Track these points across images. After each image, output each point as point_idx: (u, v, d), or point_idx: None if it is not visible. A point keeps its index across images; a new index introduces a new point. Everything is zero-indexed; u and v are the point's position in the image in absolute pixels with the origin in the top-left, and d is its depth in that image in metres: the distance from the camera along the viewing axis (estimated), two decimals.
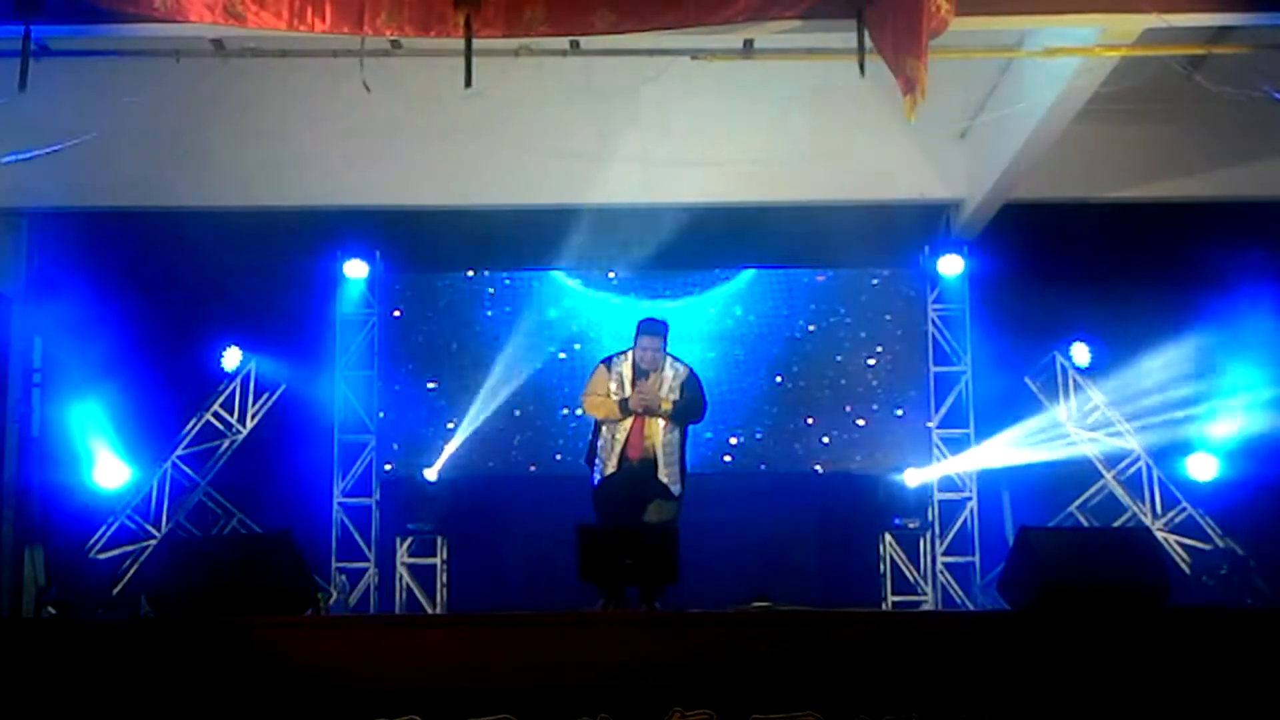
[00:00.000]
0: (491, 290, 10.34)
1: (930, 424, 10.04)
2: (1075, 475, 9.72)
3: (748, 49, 8.09)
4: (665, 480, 7.43)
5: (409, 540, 9.99)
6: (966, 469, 9.92)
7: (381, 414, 10.18)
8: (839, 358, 10.19)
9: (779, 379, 10.19)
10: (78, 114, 8.80)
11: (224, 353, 10.09)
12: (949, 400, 10.09)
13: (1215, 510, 9.45)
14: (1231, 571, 8.86)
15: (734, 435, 10.12)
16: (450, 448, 10.07)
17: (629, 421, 7.51)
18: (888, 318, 10.26)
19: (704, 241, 10.06)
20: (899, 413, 10.11)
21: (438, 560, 9.95)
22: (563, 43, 7.77)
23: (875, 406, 10.15)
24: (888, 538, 9.93)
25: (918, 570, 9.93)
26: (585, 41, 7.68)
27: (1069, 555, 5.93)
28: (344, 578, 9.81)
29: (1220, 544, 9.26)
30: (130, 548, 9.73)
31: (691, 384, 7.62)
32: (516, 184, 9.61)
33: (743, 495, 9.86)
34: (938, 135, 9.40)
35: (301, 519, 9.26)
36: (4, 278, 10.02)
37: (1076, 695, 5.06)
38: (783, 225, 9.97)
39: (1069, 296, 9.61)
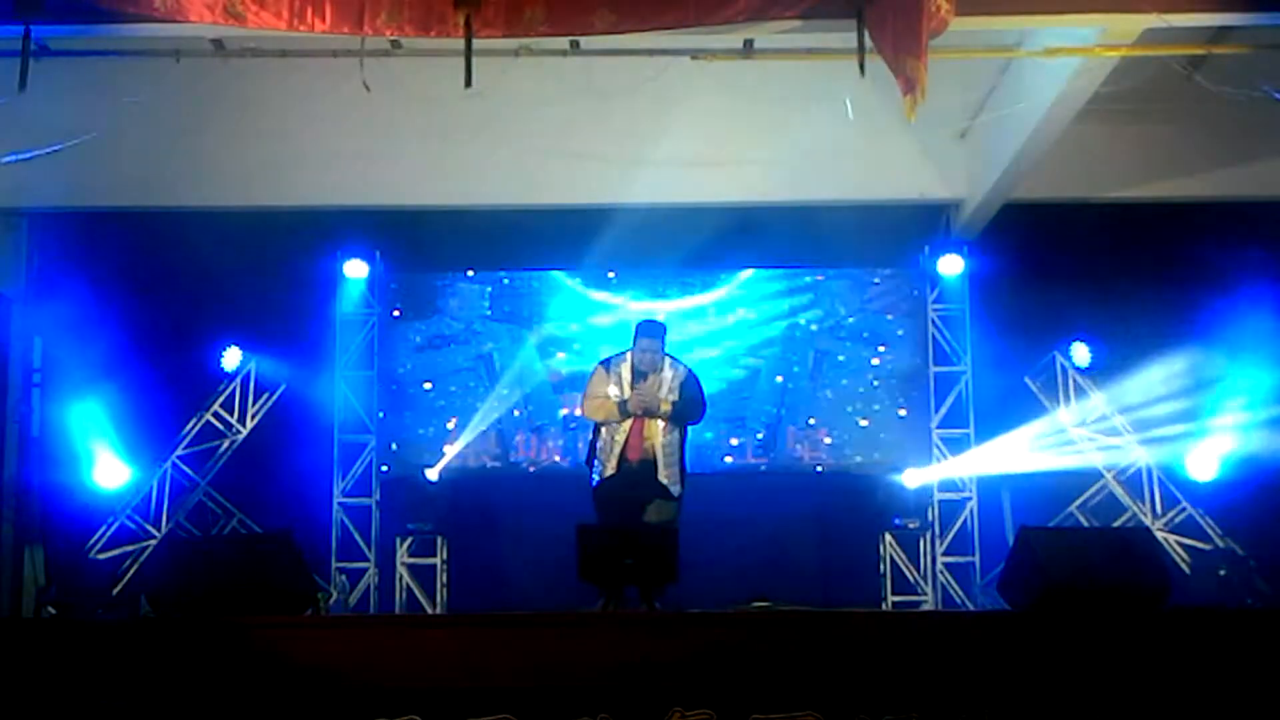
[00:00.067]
0: (491, 290, 10.34)
1: (932, 425, 10.05)
2: (1075, 475, 9.71)
3: (748, 49, 8.09)
4: (665, 481, 7.43)
5: (409, 540, 9.99)
6: (968, 473, 9.92)
7: (381, 414, 10.18)
8: (840, 358, 10.20)
9: (779, 379, 10.19)
10: (78, 114, 8.79)
11: (224, 353, 10.09)
12: (949, 400, 10.09)
13: (1215, 510, 9.45)
14: (1231, 571, 8.85)
15: (734, 435, 10.12)
16: (450, 448, 10.07)
17: (628, 423, 7.51)
18: (889, 318, 10.26)
19: (704, 241, 10.06)
20: (901, 413, 10.11)
21: (438, 560, 9.95)
22: (563, 43, 7.78)
23: (876, 406, 10.15)
24: (888, 538, 9.93)
25: (918, 570, 9.93)
26: (585, 41, 7.69)
27: (1069, 555, 5.92)
28: (344, 578, 9.81)
29: (1220, 544, 9.25)
30: (130, 548, 9.73)
31: (690, 385, 7.62)
32: (516, 184, 9.61)
33: (743, 495, 9.86)
34: (938, 135, 9.40)
35: (301, 519, 9.27)
36: (4, 278, 10.02)
37: (1076, 695, 5.06)
38: (783, 225, 9.97)
39: (1069, 296, 9.61)
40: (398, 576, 9.96)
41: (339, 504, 10.06)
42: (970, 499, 9.96)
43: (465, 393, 10.18)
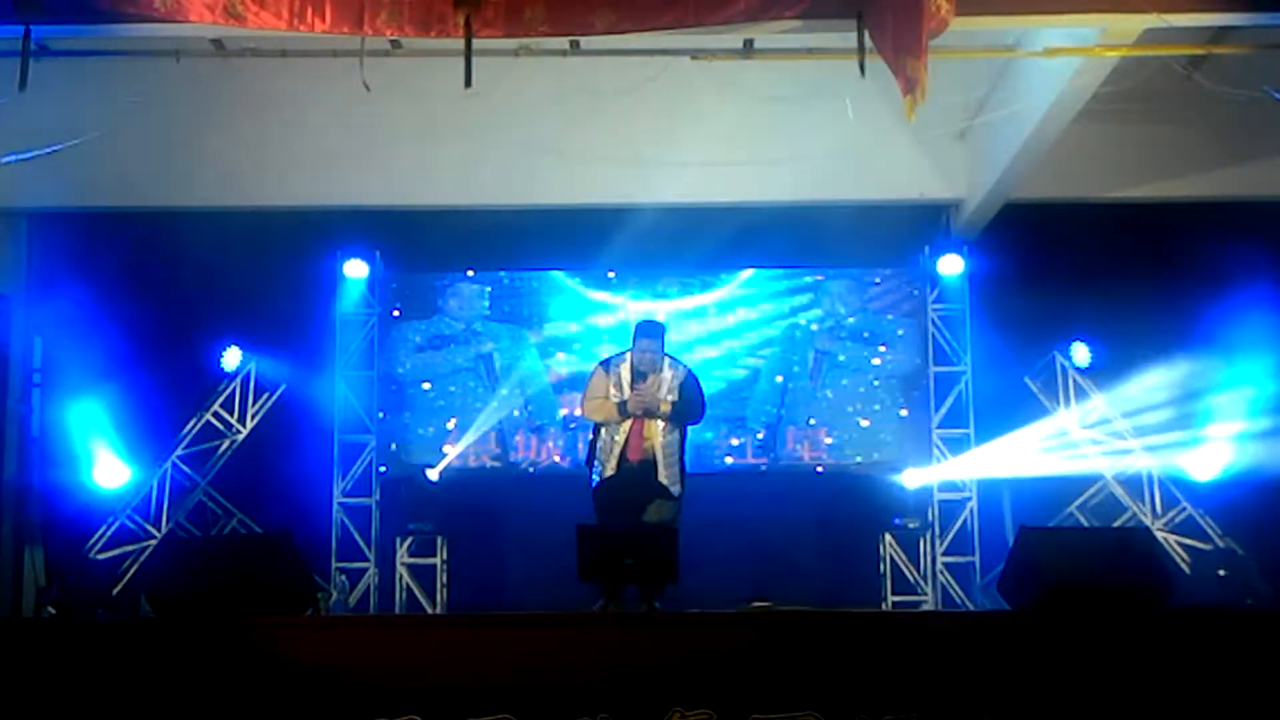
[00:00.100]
0: (491, 290, 10.34)
1: (932, 425, 10.05)
2: (1075, 475, 9.71)
3: (748, 49, 8.10)
4: (665, 481, 7.43)
5: (409, 540, 9.99)
6: (968, 476, 9.91)
7: (381, 414, 10.18)
8: (840, 358, 10.20)
9: (779, 379, 10.19)
10: (78, 114, 8.80)
11: (224, 353, 10.10)
12: (949, 400, 10.09)
13: (1215, 510, 9.45)
14: (1231, 571, 8.85)
15: (734, 435, 10.13)
16: (450, 448, 10.08)
17: (628, 423, 7.50)
18: (889, 318, 10.26)
19: (704, 241, 10.06)
20: (903, 413, 10.10)
21: (438, 560, 9.95)
22: (563, 43, 7.78)
23: (876, 407, 10.15)
24: (888, 538, 9.93)
25: (918, 570, 9.93)
26: (585, 41, 7.69)
27: (1069, 555, 5.92)
28: (344, 578, 9.81)
29: (1220, 544, 9.25)
30: (130, 548, 9.73)
31: (690, 385, 7.62)
32: (517, 184, 9.61)
33: (743, 495, 9.86)
34: (938, 135, 9.39)
35: (301, 519, 9.28)
36: (4, 278, 10.02)
37: (1076, 695, 5.05)
38: (783, 225, 9.96)
39: (1069, 296, 9.61)
40: (398, 576, 9.96)
41: (339, 504, 10.06)
42: (970, 499, 9.96)
43: (465, 393, 10.18)
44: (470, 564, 9.96)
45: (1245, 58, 7.95)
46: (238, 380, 10.13)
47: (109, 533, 9.75)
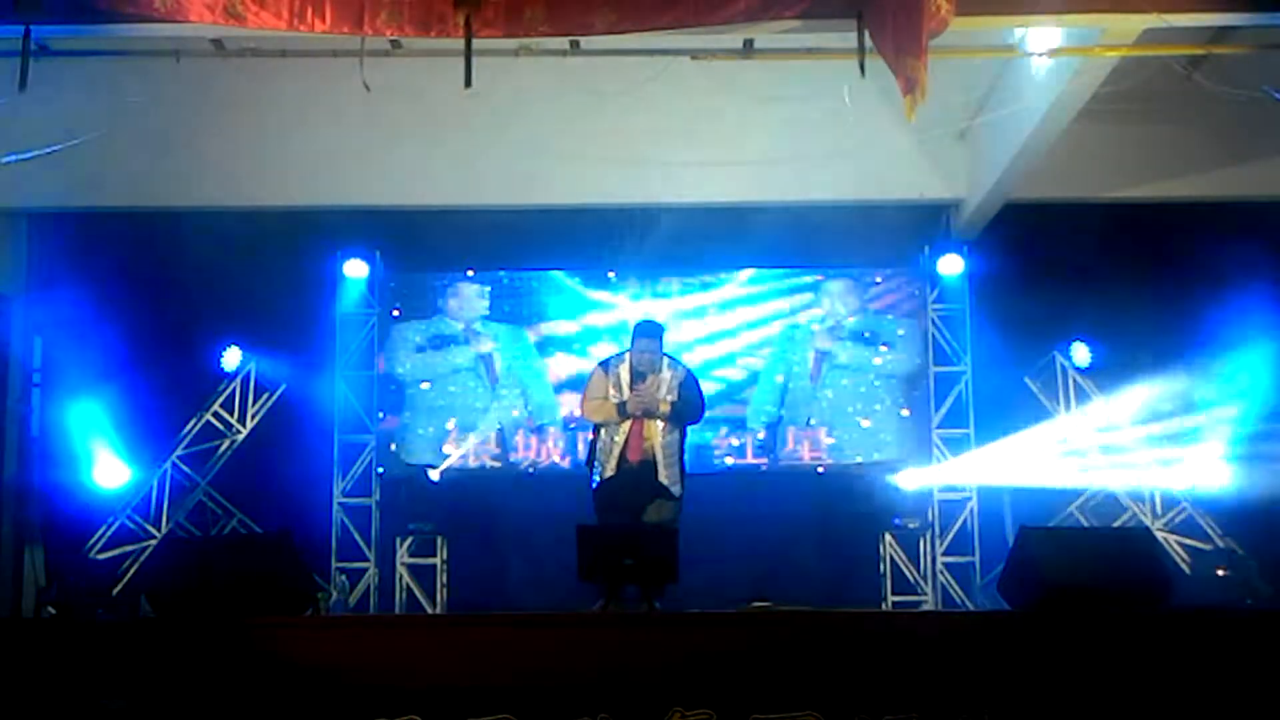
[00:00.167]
0: (491, 290, 10.34)
1: (932, 425, 10.05)
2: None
3: (748, 49, 8.10)
4: (665, 482, 7.43)
5: (409, 540, 10.00)
6: (969, 482, 9.90)
7: (381, 414, 10.18)
8: (840, 358, 10.19)
9: (779, 379, 10.19)
10: (78, 114, 8.80)
11: (224, 353, 10.10)
12: (949, 400, 10.09)
13: (1215, 510, 9.44)
14: (1231, 571, 8.85)
15: (734, 435, 10.12)
16: (450, 448, 10.08)
17: (628, 424, 7.50)
18: (889, 318, 10.26)
19: (704, 241, 10.08)
20: (905, 413, 10.10)
21: (438, 560, 9.96)
22: (563, 43, 7.79)
23: (877, 406, 10.14)
24: (888, 538, 9.94)
25: (918, 570, 9.94)
26: (585, 41, 7.69)
27: (1069, 555, 5.92)
28: (344, 578, 9.82)
29: (1220, 544, 9.25)
30: (130, 548, 9.73)
31: (689, 385, 7.62)
32: (516, 184, 9.61)
33: (743, 495, 9.86)
34: (938, 135, 9.39)
35: (301, 519, 9.29)
36: (4, 278, 10.03)
37: (1076, 695, 5.05)
38: (783, 225, 9.95)
39: (1069, 296, 9.60)
40: (398, 576, 9.96)
41: (339, 504, 10.06)
42: (970, 499, 9.96)
43: (465, 393, 10.18)
44: (470, 564, 9.96)
45: (1245, 58, 7.96)
46: (238, 380, 10.13)
47: (109, 533, 9.75)
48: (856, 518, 9.90)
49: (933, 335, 10.17)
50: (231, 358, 10.11)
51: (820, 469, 10.09)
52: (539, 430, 10.15)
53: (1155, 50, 7.54)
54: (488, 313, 10.31)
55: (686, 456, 7.68)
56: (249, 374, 10.15)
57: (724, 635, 5.30)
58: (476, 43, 6.29)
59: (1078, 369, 9.92)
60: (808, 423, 10.14)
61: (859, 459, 10.07)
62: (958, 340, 10.14)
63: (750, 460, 10.13)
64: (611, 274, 10.32)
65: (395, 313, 10.31)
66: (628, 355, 7.66)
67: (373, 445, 10.14)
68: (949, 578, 9.83)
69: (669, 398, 7.51)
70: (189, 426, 10.02)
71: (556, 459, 10.06)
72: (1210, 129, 9.37)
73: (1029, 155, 8.57)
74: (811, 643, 5.23)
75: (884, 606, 9.66)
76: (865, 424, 10.12)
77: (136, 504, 9.88)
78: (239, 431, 10.12)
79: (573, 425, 9.89)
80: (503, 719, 5.01)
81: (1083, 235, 9.70)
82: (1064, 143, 8.49)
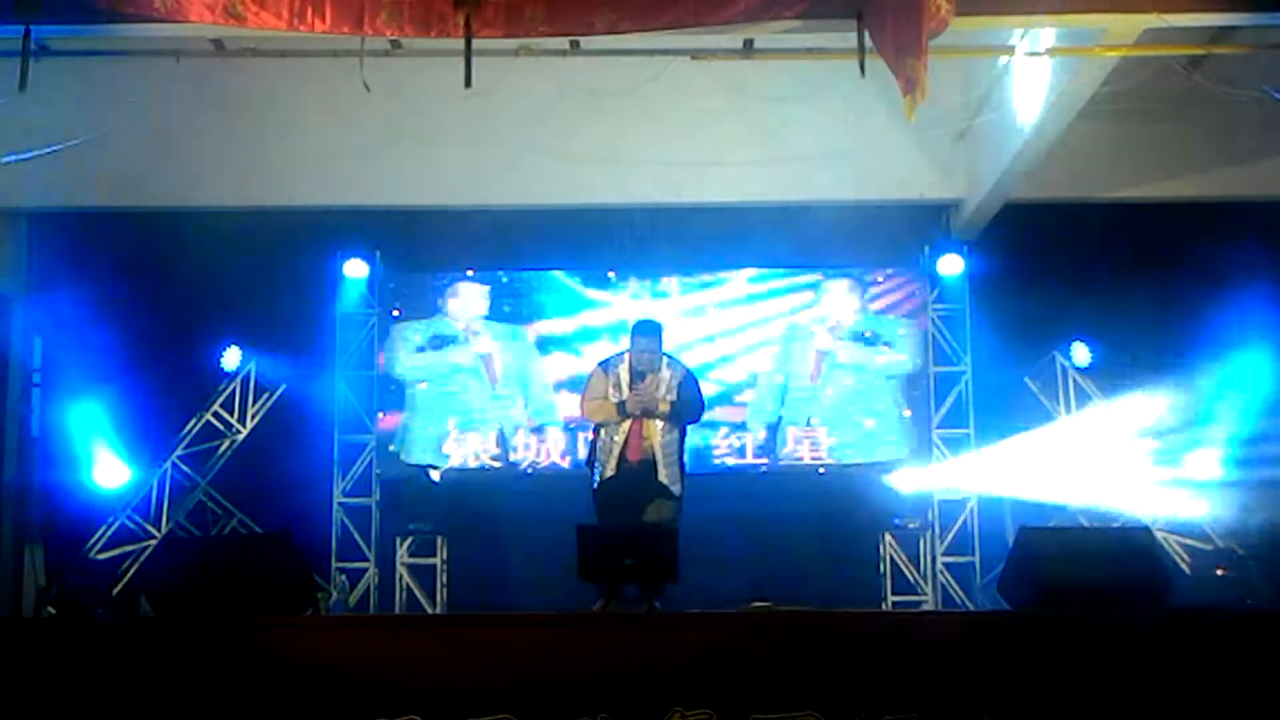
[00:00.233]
0: (490, 290, 10.34)
1: (932, 425, 10.06)
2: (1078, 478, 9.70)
3: (748, 49, 8.11)
4: (665, 481, 7.43)
5: (409, 540, 10.00)
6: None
7: (381, 414, 10.18)
8: (841, 358, 10.19)
9: (779, 379, 10.19)
10: (78, 114, 8.81)
11: (224, 353, 10.10)
12: (949, 400, 10.09)
13: (1215, 509, 9.43)
14: (1231, 571, 8.85)
15: (734, 435, 10.12)
16: (450, 448, 10.08)
17: (627, 424, 7.50)
18: (889, 318, 10.26)
19: (704, 241, 10.09)
20: (907, 414, 10.09)
21: (438, 560, 9.96)
22: (563, 43, 7.79)
23: (877, 407, 10.14)
24: (888, 538, 9.94)
25: (918, 570, 9.94)
26: (585, 41, 7.70)
27: (1069, 555, 5.92)
28: (344, 578, 9.81)
29: (1220, 544, 9.25)
30: (130, 548, 9.73)
31: (688, 384, 7.62)
32: (516, 184, 9.61)
33: (743, 495, 9.86)
34: (938, 135, 9.39)
35: (301, 519, 9.27)
36: (4, 278, 10.03)
37: (1076, 695, 5.05)
38: (783, 225, 9.96)
39: (1069, 296, 9.61)
40: (398, 576, 9.96)
41: (339, 504, 10.06)
42: (970, 499, 9.95)
43: (465, 393, 10.18)
44: (470, 564, 9.96)
45: (1245, 58, 7.96)
46: (238, 380, 10.13)
47: (109, 533, 9.75)
48: (856, 518, 9.90)
49: (933, 335, 10.17)
50: (231, 358, 10.11)
51: (820, 469, 10.08)
52: (539, 430, 10.14)
53: (1155, 50, 7.54)
54: (487, 313, 10.31)
55: (687, 457, 7.68)
56: (249, 374, 10.15)
57: (724, 635, 5.30)
58: (476, 43, 6.29)
59: (1078, 369, 9.92)
60: (808, 423, 10.14)
61: (859, 459, 10.07)
62: (958, 340, 10.14)
63: (750, 460, 10.13)
64: (611, 274, 10.32)
65: (395, 313, 10.31)
66: (627, 355, 7.66)
67: (373, 445, 10.14)
68: (949, 578, 9.83)
69: (668, 397, 7.51)
70: (189, 426, 10.02)
71: (556, 459, 10.06)
72: (1210, 129, 9.37)
73: (1029, 155, 8.57)
74: (811, 643, 5.22)
75: (884, 606, 9.66)
76: (865, 424, 10.12)
77: (136, 504, 9.88)
78: (239, 431, 10.12)
79: (572, 425, 9.89)
80: (503, 719, 5.00)
81: (1083, 235, 9.71)
82: (1064, 143, 8.49)
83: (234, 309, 9.89)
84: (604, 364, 7.77)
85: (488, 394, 10.17)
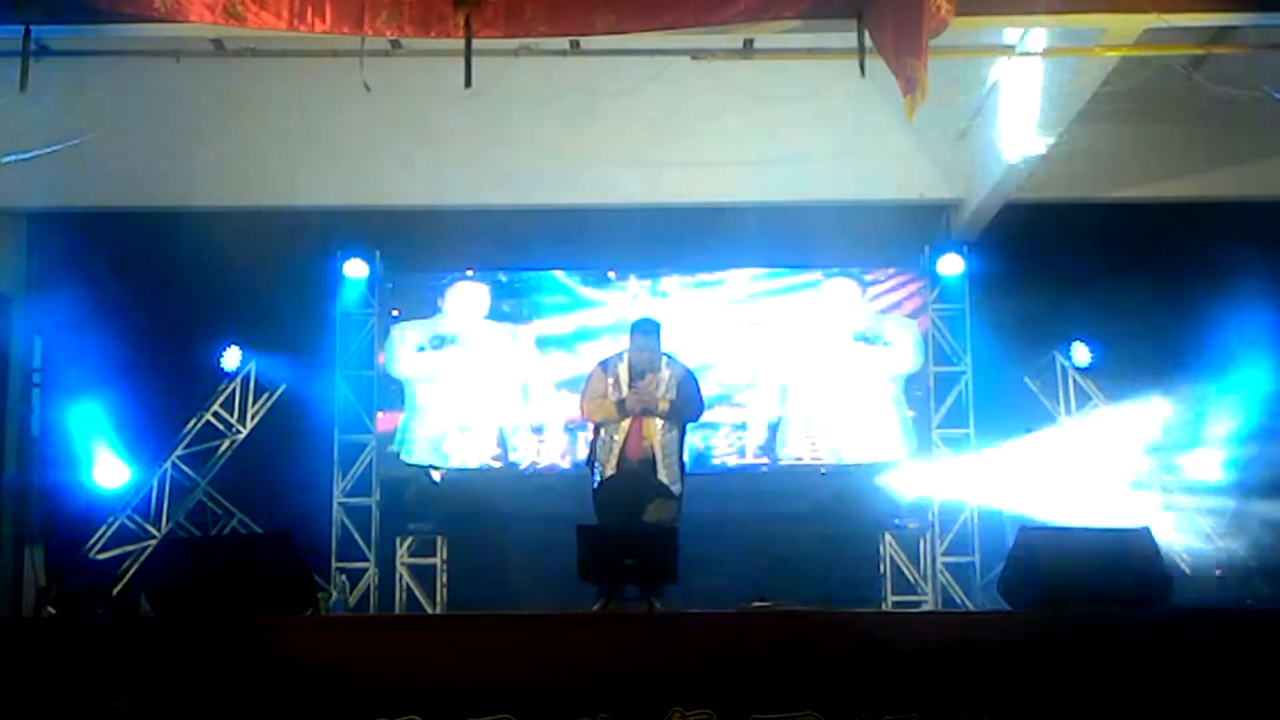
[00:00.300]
0: (490, 289, 10.34)
1: (932, 425, 10.06)
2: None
3: (748, 49, 8.11)
4: (665, 480, 7.42)
5: (409, 540, 10.00)
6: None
7: (381, 414, 10.18)
8: (841, 357, 10.19)
9: (780, 379, 10.18)
10: (78, 114, 8.81)
11: (224, 353, 10.09)
12: (949, 400, 10.09)
13: (1215, 509, 9.43)
14: (1231, 571, 8.85)
15: (734, 435, 10.12)
16: (450, 448, 10.08)
17: (627, 423, 7.49)
18: (889, 318, 10.26)
19: (704, 241, 10.08)
20: (910, 414, 10.09)
21: (438, 560, 9.96)
22: (563, 43, 7.80)
23: (878, 406, 10.13)
24: (888, 538, 9.93)
25: (918, 570, 9.93)
26: (585, 41, 7.71)
27: (1069, 555, 5.91)
28: (344, 578, 9.81)
29: (1220, 544, 9.24)
30: (130, 548, 9.73)
31: (687, 383, 7.62)
32: (516, 184, 9.61)
33: (743, 495, 9.86)
34: (938, 135, 9.40)
35: (301, 519, 9.28)
36: (4, 278, 10.03)
37: (1076, 695, 5.05)
38: (783, 225, 9.98)
39: (1069, 296, 9.60)
40: (398, 576, 9.96)
41: (339, 504, 10.05)
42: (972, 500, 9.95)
43: (465, 393, 10.17)
44: (470, 564, 9.95)
45: (1245, 58, 7.96)
46: (238, 380, 10.13)
47: (109, 533, 9.75)
48: (856, 518, 9.90)
49: (933, 335, 10.17)
50: (231, 358, 10.10)
51: (820, 469, 10.08)
52: (539, 430, 10.14)
53: (1155, 50, 7.55)
54: (487, 312, 10.31)
55: (687, 457, 7.68)
56: (249, 374, 10.15)
57: (724, 635, 5.30)
58: (476, 43, 6.29)
59: (1078, 369, 9.92)
60: (808, 423, 10.14)
61: (859, 459, 10.07)
62: (958, 340, 10.14)
63: (750, 460, 10.13)
64: (611, 274, 10.32)
65: (395, 312, 10.31)
66: (626, 354, 7.65)
67: (373, 445, 10.14)
68: (949, 578, 9.83)
69: (668, 396, 7.50)
70: (189, 426, 10.01)
71: (556, 459, 10.06)
72: (1210, 129, 9.37)
73: (1029, 155, 8.57)
74: (811, 643, 5.22)
75: (884, 606, 9.65)
76: (865, 424, 10.11)
77: (136, 504, 9.88)
78: (239, 431, 10.12)
79: (572, 425, 9.89)
80: (503, 719, 5.00)
81: (1083, 235, 9.71)
82: (1064, 143, 8.49)
83: (234, 309, 9.89)
84: (604, 363, 7.76)
85: (487, 394, 10.16)
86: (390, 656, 5.17)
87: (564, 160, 9.45)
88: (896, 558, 9.93)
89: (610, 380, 7.58)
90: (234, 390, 10.12)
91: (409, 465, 10.11)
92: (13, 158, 8.66)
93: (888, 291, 10.31)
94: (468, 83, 6.29)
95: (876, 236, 10.03)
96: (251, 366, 10.14)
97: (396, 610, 9.75)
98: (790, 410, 10.15)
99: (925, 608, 9.65)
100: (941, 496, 9.96)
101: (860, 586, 9.75)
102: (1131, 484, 9.62)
